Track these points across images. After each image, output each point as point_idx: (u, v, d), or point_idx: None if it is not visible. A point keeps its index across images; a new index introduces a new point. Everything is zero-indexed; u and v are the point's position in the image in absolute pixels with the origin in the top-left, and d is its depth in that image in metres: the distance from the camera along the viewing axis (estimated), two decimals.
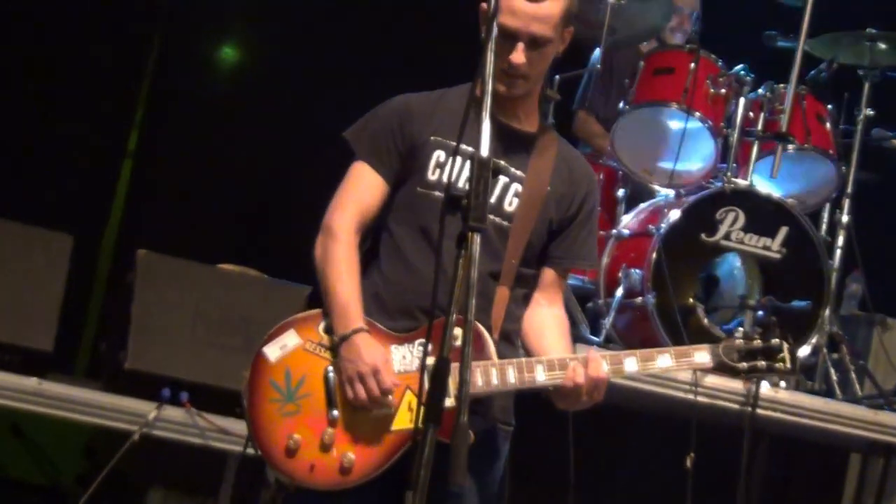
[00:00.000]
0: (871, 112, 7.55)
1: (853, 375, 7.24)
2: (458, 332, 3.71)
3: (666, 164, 7.12)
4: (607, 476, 7.29)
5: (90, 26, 8.49)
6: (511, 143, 4.23)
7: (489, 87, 3.60)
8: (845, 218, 7.42)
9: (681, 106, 7.04)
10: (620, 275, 6.80)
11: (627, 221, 7.19)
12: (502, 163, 4.17)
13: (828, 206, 7.53)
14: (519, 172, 4.22)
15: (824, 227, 7.49)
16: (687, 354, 4.25)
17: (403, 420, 4.03)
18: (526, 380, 4.05)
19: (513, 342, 4.27)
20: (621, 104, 7.22)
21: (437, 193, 4.11)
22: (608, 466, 7.35)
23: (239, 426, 5.60)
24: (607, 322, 6.78)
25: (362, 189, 4.23)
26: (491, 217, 4.07)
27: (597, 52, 7.38)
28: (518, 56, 4.09)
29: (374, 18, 8.97)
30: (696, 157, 7.20)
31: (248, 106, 8.88)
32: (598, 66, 7.32)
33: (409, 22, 8.93)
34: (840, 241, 7.44)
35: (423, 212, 4.16)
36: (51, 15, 8.42)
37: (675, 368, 4.29)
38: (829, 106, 7.44)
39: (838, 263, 7.40)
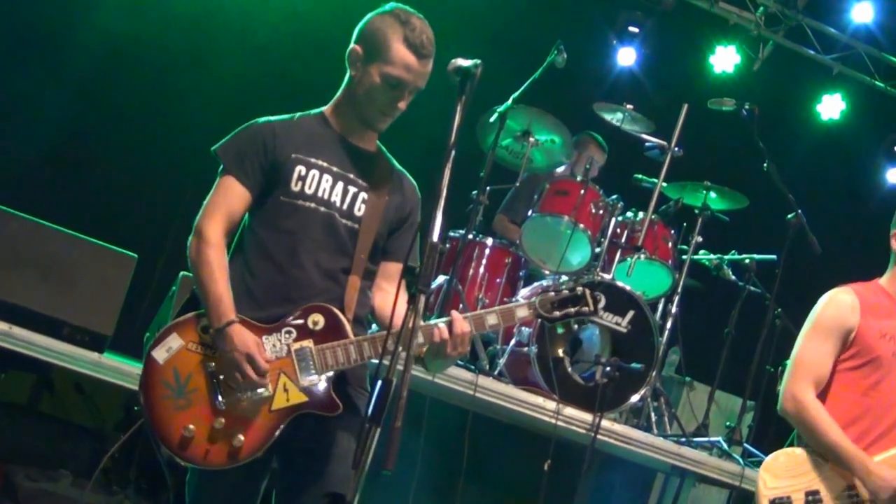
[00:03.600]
0: (700, 239, 7.60)
1: (666, 419, 7.29)
2: (318, 318, 3.60)
3: (555, 257, 7.16)
4: (489, 469, 7.27)
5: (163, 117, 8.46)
6: (358, 159, 3.80)
7: (444, 191, 3.33)
8: (674, 309, 7.47)
9: (570, 218, 7.07)
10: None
11: (524, 293, 7.17)
12: (351, 175, 3.79)
13: (663, 299, 7.58)
14: (364, 183, 3.78)
15: (659, 313, 7.52)
16: (511, 312, 3.72)
17: (281, 400, 3.57)
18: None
19: (363, 325, 3.78)
20: (530, 212, 7.27)
21: (300, 202, 3.69)
22: (491, 462, 7.33)
23: None
24: (501, 361, 6.78)
25: (229, 198, 3.70)
26: (344, 221, 3.73)
27: (521, 175, 7.40)
28: (404, 104, 3.75)
29: None
30: (577, 255, 7.23)
31: None
32: (517, 184, 7.36)
33: None
34: (669, 324, 7.47)
35: (287, 218, 3.69)
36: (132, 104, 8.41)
37: (501, 325, 3.73)
38: (672, 231, 7.50)
39: (665, 339, 7.41)
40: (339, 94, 3.88)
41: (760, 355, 7.30)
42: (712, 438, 7.09)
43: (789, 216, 7.24)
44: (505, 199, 7.97)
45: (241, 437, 3.54)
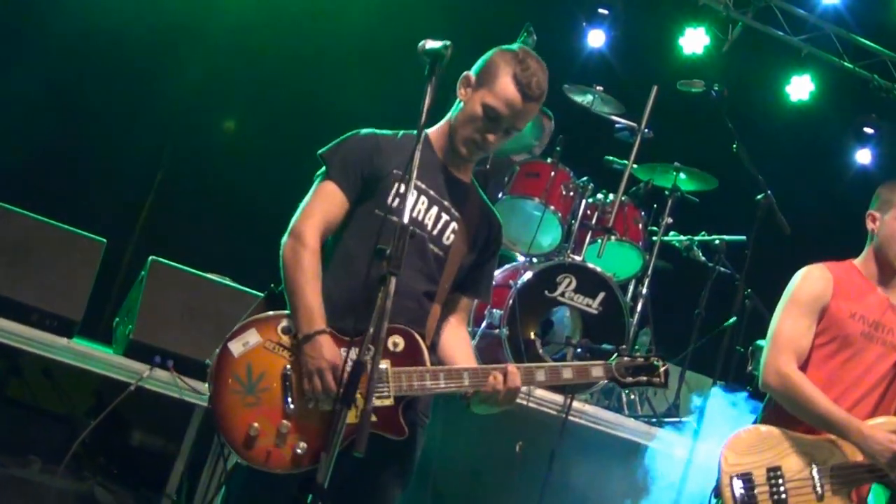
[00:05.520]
0: (671, 220, 7.66)
1: (637, 400, 7.33)
2: (398, 340, 3.59)
3: (526, 239, 7.18)
4: (462, 451, 7.28)
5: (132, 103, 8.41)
6: (454, 189, 3.80)
7: (414, 173, 3.42)
8: (644, 290, 7.51)
9: (541, 200, 7.11)
10: (486, 312, 6.81)
11: (496, 275, 7.20)
12: (446, 203, 3.79)
13: (634, 281, 7.62)
14: (456, 213, 3.80)
15: (629, 294, 7.57)
16: (586, 370, 3.80)
17: (349, 415, 3.41)
18: (453, 384, 3.62)
19: (436, 352, 3.82)
20: (500, 194, 7.28)
21: (394, 218, 3.57)
22: (463, 444, 7.33)
23: (206, 387, 5.46)
24: (473, 343, 6.78)
25: (329, 203, 3.71)
26: (432, 247, 3.74)
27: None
28: (495, 140, 3.75)
29: None
30: (548, 237, 7.27)
31: (243, 168, 8.63)
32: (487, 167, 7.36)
33: None
34: (639, 306, 7.51)
35: (378, 232, 3.57)
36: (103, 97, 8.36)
37: (575, 380, 3.81)
38: (643, 212, 7.55)
39: (636, 320, 7.45)
40: (444, 119, 3.88)
41: (730, 336, 7.33)
42: (683, 419, 7.13)
43: (759, 197, 7.23)
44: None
45: (304, 445, 3.53)
